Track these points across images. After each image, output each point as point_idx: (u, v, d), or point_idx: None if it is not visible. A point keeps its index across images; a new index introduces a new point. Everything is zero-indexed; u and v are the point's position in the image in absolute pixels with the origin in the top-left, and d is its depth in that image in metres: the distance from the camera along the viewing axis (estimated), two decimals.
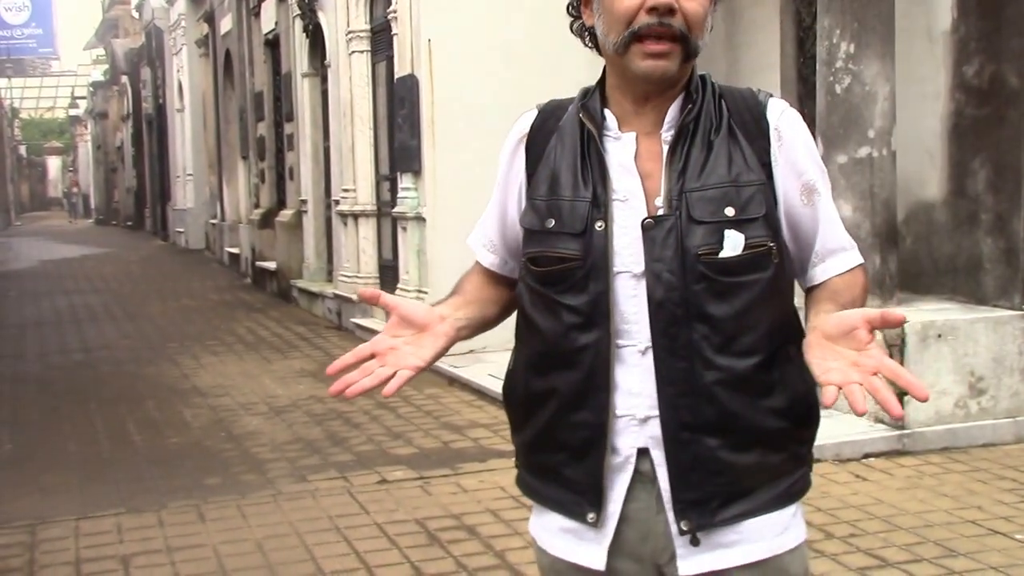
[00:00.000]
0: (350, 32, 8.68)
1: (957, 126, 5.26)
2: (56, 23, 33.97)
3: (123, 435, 5.55)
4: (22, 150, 48.53)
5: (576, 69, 7.61)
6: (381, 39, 8.37)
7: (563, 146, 1.44)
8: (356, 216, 8.82)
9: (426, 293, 7.29)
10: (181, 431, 5.60)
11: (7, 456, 5.25)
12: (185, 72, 18.16)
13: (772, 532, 1.41)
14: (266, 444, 5.25)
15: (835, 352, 1.25)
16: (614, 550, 1.42)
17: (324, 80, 9.86)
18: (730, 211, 1.34)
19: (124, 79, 26.85)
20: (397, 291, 7.68)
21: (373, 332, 8.22)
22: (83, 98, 39.23)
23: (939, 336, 4.73)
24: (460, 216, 7.37)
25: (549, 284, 1.41)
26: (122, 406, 6.23)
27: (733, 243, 1.34)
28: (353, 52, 8.68)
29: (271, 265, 11.85)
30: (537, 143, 1.48)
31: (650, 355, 1.37)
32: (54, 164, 53.20)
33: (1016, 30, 4.96)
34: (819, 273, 1.43)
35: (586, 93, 1.47)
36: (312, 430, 5.52)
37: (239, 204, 14.63)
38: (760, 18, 6.72)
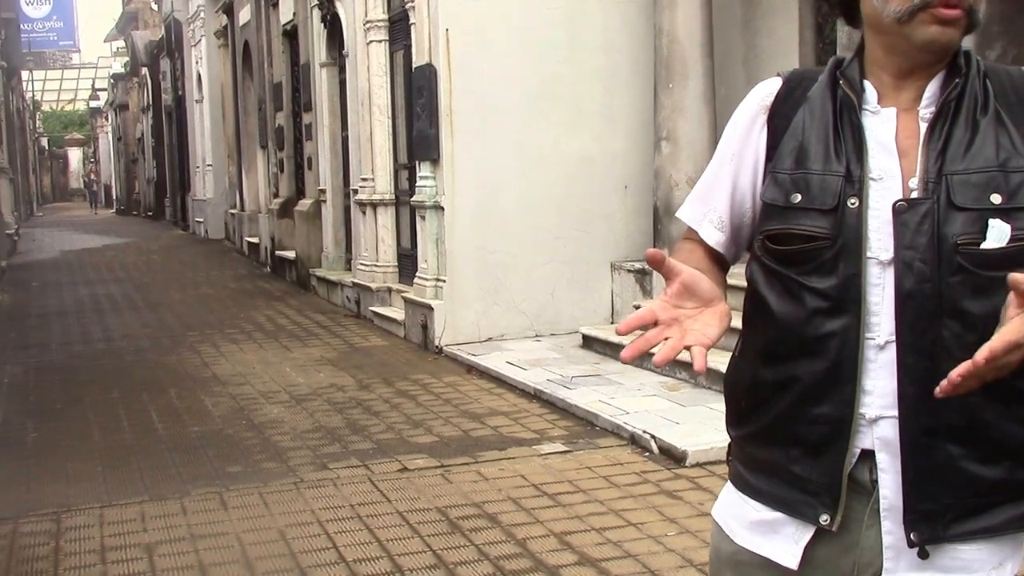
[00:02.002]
0: (368, 22, 8.67)
1: None
2: (76, 16, 34.19)
3: (146, 423, 5.60)
4: (44, 142, 48.92)
5: (593, 55, 7.66)
6: (399, 28, 8.36)
7: (813, 117, 1.32)
8: (375, 205, 8.83)
9: (444, 281, 7.31)
10: (203, 419, 5.65)
11: (32, 445, 5.31)
12: (204, 63, 18.21)
13: (991, 563, 1.30)
14: (287, 432, 5.29)
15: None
16: (808, 556, 1.32)
17: (342, 70, 9.86)
18: (996, 198, 1.22)
19: (144, 71, 26.97)
20: (416, 280, 7.70)
21: (392, 320, 8.27)
22: (103, 90, 39.44)
23: None
24: (478, 205, 7.41)
25: (791, 264, 1.30)
26: (144, 395, 6.29)
27: (998, 234, 1.21)
28: (371, 42, 8.67)
29: (290, 254, 11.91)
30: (783, 113, 1.36)
31: (889, 350, 1.26)
32: (75, 156, 53.58)
33: None
34: None
35: (839, 64, 1.35)
36: (333, 418, 5.55)
37: (258, 194, 14.68)
38: (778, 4, 6.66)
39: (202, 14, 17.97)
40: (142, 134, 29.59)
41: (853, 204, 1.27)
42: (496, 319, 7.30)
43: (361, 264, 9.14)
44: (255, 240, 14.62)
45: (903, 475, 1.27)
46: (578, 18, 7.42)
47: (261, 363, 7.16)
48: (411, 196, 7.84)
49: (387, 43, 8.62)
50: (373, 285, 8.77)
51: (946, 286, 1.23)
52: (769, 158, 1.36)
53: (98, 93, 41.26)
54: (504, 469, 4.51)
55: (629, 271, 7.28)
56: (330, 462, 4.73)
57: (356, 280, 9.22)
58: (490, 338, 7.26)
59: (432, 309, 7.28)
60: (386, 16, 8.58)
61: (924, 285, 1.23)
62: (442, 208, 7.32)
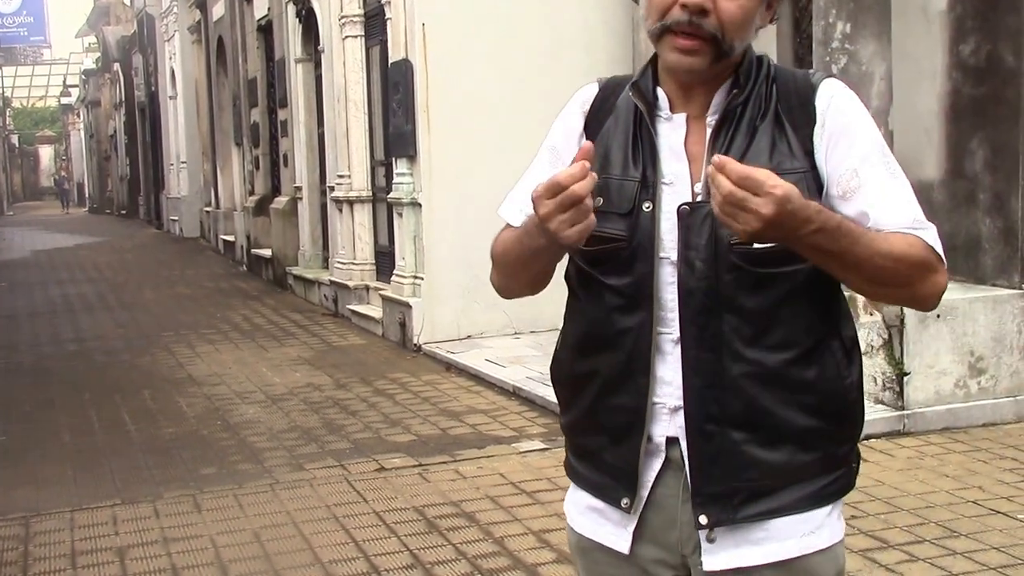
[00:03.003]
0: (343, 17, 8.60)
1: (954, 105, 5.22)
2: (47, 11, 33.75)
3: (118, 425, 5.51)
4: (14, 139, 48.26)
5: (572, 52, 7.64)
6: (375, 23, 8.29)
7: (617, 125, 1.41)
8: (351, 202, 8.76)
9: (422, 279, 7.26)
10: (177, 421, 5.57)
11: (1, 448, 5.22)
12: (177, 59, 18.03)
13: (801, 531, 1.36)
14: (263, 433, 5.22)
15: None
16: (639, 534, 1.41)
17: (318, 66, 9.78)
18: None
19: (116, 67, 26.67)
20: (393, 278, 7.64)
21: (369, 319, 8.21)
22: (75, 86, 38.98)
23: (938, 316, 4.70)
24: (456, 201, 7.35)
25: (595, 264, 1.39)
26: (117, 396, 6.20)
27: None
28: (347, 37, 8.60)
29: (266, 252, 11.80)
30: (596, 120, 1.45)
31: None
32: (46, 153, 52.95)
33: (1012, 7, 4.91)
34: None
35: (644, 72, 1.43)
36: (309, 418, 5.49)
37: (233, 191, 14.55)
38: None
39: (175, 9, 17.79)
40: (115, 131, 29.28)
41: (647, 208, 1.35)
42: (475, 316, 7.26)
43: (338, 262, 9.07)
44: (231, 238, 14.49)
45: (690, 460, 1.35)
46: (556, 13, 7.38)
47: (237, 363, 7.08)
48: (388, 193, 7.78)
49: (363, 38, 8.56)
50: (350, 283, 8.70)
51: (723, 283, 1.31)
52: None
53: (69, 89, 40.80)
54: (482, 467, 4.47)
55: None
56: (306, 462, 4.67)
57: (333, 278, 9.15)
58: (469, 336, 7.22)
59: (410, 307, 7.23)
60: (362, 11, 8.51)
61: (703, 283, 1.32)
62: (419, 205, 7.26)
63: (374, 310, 8.13)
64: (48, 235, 21.85)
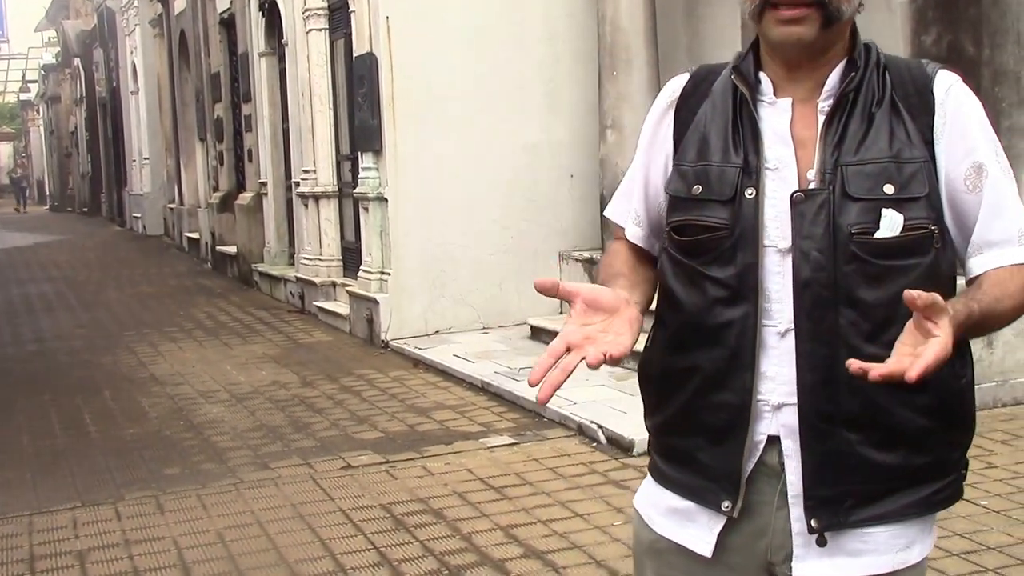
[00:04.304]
0: (307, 10, 8.50)
1: None
2: (4, 5, 33.09)
3: (79, 427, 5.41)
4: None
5: (536, 43, 7.59)
6: (339, 16, 8.20)
7: (715, 110, 1.36)
8: (317, 198, 8.67)
9: (389, 274, 7.20)
10: (139, 421, 5.47)
11: None
12: (139, 53, 17.75)
13: (897, 545, 1.32)
14: (227, 432, 5.14)
15: (913, 337, 1.14)
16: (723, 541, 1.34)
17: (281, 59, 9.66)
18: (889, 188, 1.25)
19: (76, 62, 26.22)
20: (360, 273, 7.57)
21: (336, 315, 8.12)
22: (34, 82, 38.27)
23: None
24: (422, 195, 7.30)
25: (694, 255, 1.33)
26: (78, 397, 6.08)
27: (891, 223, 1.25)
28: (310, 30, 8.50)
29: (231, 249, 11.65)
30: (688, 108, 1.40)
31: (790, 338, 1.28)
32: (5, 150, 51.97)
33: None
34: (976, 265, 1.30)
35: (745, 56, 1.38)
36: (275, 416, 5.42)
37: (197, 188, 14.36)
38: None
39: (136, 3, 17.51)
40: (76, 127, 28.80)
41: (750, 194, 1.30)
42: (443, 312, 7.21)
43: (304, 258, 8.97)
44: (195, 235, 14.30)
45: (802, 460, 1.29)
46: (520, 6, 7.34)
47: (201, 362, 6.97)
48: (354, 188, 7.71)
49: (327, 31, 8.46)
50: (317, 279, 8.61)
51: (841, 275, 1.26)
52: (676, 151, 1.40)
53: (29, 85, 40.07)
54: (450, 463, 4.44)
55: (578, 260, 7.25)
56: (271, 461, 4.60)
57: (299, 275, 9.05)
58: (437, 331, 7.17)
59: (377, 303, 7.17)
60: (325, 4, 8.41)
61: (820, 274, 1.26)
62: (386, 200, 7.20)
63: (341, 306, 8.06)
64: (7, 233, 21.45)
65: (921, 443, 1.30)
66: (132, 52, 18.41)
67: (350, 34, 7.71)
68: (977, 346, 4.92)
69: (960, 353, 1.28)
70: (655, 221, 1.44)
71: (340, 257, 8.58)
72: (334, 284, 8.47)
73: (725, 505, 1.33)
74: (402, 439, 4.87)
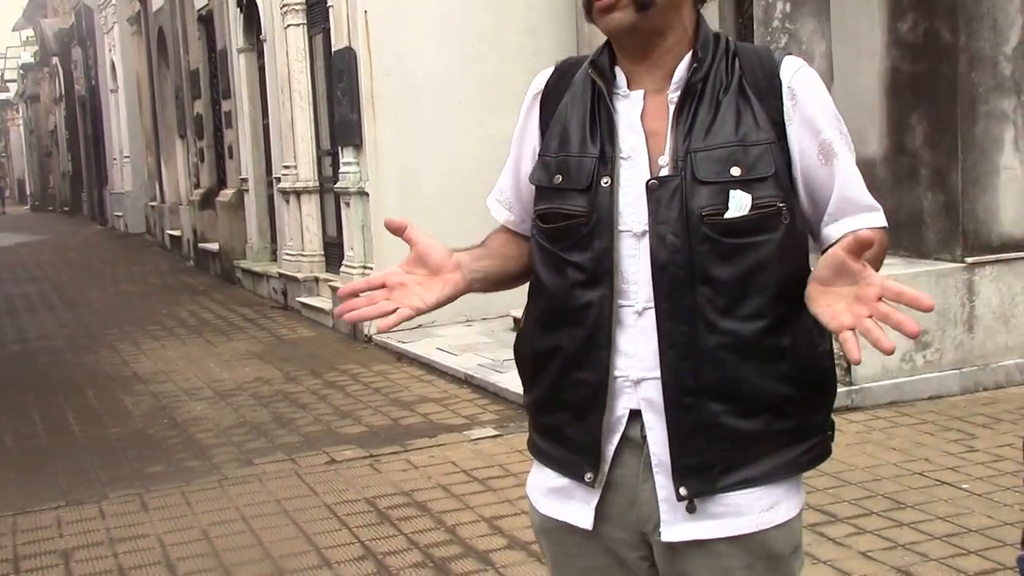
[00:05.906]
0: (285, 5, 8.45)
1: (894, 82, 5.28)
2: None
3: (62, 426, 5.38)
4: None
5: (515, 35, 7.56)
6: (317, 11, 8.16)
7: (574, 102, 1.42)
8: (298, 193, 8.64)
9: (371, 268, 7.18)
10: (122, 420, 5.45)
11: None
12: (118, 51, 17.61)
13: (760, 507, 1.37)
14: (211, 429, 5.13)
15: (836, 294, 1.21)
16: (601, 514, 1.40)
17: (260, 55, 9.61)
18: (736, 171, 1.32)
19: (55, 60, 26.00)
20: (343, 268, 7.55)
21: (319, 311, 8.11)
22: (13, 81, 37.97)
23: None
24: (403, 189, 7.28)
25: (556, 241, 1.40)
26: (61, 397, 6.05)
27: (738, 203, 1.31)
28: (289, 25, 8.46)
29: (213, 246, 11.60)
30: (552, 100, 1.46)
31: (647, 316, 1.34)
32: None
33: None
34: (832, 232, 1.38)
35: (602, 50, 1.44)
36: (258, 413, 5.41)
37: (178, 185, 14.28)
38: None
39: (113, 0, 17.37)
40: (55, 126, 28.58)
41: (605, 183, 1.36)
42: None
43: (287, 254, 8.95)
44: (177, 233, 14.23)
45: (668, 433, 1.35)
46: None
47: (184, 359, 6.95)
48: (335, 183, 7.68)
49: (305, 26, 8.43)
50: (299, 275, 8.59)
51: (696, 255, 1.32)
52: (542, 142, 1.46)
53: (7, 84, 39.72)
54: (434, 456, 4.44)
55: None
56: (255, 457, 4.60)
57: (282, 271, 9.02)
58: (420, 325, 7.16)
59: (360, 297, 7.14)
60: None
61: (676, 256, 1.32)
62: (367, 194, 7.18)
63: (324, 302, 8.04)
64: None
65: (783, 409, 1.35)
66: (111, 50, 18.27)
67: (328, 29, 7.68)
68: (958, 331, 4.97)
69: (817, 322, 1.33)
70: (529, 207, 1.50)
71: (322, 252, 8.56)
72: (317, 279, 8.45)
73: (588, 476, 1.39)
74: (386, 433, 4.87)
